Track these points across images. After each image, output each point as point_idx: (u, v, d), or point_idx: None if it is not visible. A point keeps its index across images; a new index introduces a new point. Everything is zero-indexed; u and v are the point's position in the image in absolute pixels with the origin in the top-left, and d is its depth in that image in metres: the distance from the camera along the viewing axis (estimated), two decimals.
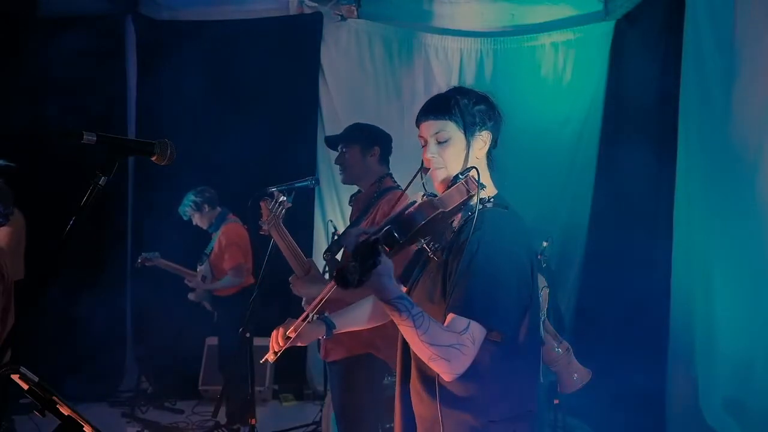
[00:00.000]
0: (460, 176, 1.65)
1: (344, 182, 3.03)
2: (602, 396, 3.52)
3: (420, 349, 1.55)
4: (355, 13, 5.41)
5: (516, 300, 1.61)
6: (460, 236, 1.66)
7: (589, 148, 4.89)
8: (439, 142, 1.73)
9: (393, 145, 3.02)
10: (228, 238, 4.60)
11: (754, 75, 3.47)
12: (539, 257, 3.66)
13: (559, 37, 5.14)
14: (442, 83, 5.39)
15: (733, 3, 3.59)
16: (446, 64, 5.38)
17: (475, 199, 1.63)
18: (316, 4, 5.48)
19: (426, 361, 1.57)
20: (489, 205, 1.70)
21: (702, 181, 3.81)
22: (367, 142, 2.93)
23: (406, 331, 1.55)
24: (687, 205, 3.88)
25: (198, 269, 4.75)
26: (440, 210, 1.58)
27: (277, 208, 2.84)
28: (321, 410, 4.08)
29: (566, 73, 5.12)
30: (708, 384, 3.70)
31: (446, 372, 1.56)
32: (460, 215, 1.71)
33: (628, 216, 4.19)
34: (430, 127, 1.75)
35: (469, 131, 1.72)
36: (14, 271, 3.99)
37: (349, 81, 5.56)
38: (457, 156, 1.73)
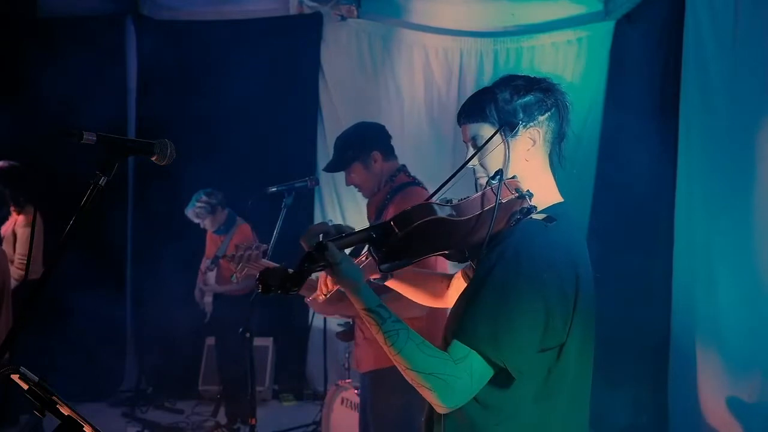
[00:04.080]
0: (492, 181, 1.45)
1: (367, 197, 2.86)
2: (603, 396, 3.51)
3: (400, 370, 1.36)
4: (355, 13, 5.41)
5: (533, 331, 1.34)
6: (488, 252, 1.42)
7: (590, 148, 4.89)
8: (479, 148, 1.50)
9: (393, 147, 2.90)
10: (248, 240, 4.58)
11: (755, 74, 3.47)
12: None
13: (559, 37, 5.14)
14: (442, 83, 5.39)
15: (733, 3, 3.59)
16: (446, 64, 5.37)
17: (515, 207, 1.42)
18: (316, 4, 5.48)
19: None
20: (537, 217, 1.43)
21: (703, 182, 3.81)
22: (363, 152, 2.74)
23: (384, 348, 1.37)
24: (688, 206, 3.88)
25: (209, 274, 4.73)
26: (440, 216, 1.39)
27: (247, 254, 2.50)
28: (321, 410, 4.07)
29: (566, 73, 5.12)
30: (710, 384, 3.70)
31: (433, 403, 1.36)
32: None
33: (628, 216, 4.19)
34: (466, 131, 1.53)
35: (508, 131, 1.46)
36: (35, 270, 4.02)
37: (349, 81, 5.56)
38: (496, 161, 1.48)
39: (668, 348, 3.97)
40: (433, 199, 1.49)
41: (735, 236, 3.56)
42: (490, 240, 1.41)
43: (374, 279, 1.75)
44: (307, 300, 1.76)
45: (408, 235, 1.38)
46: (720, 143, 3.68)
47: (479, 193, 1.44)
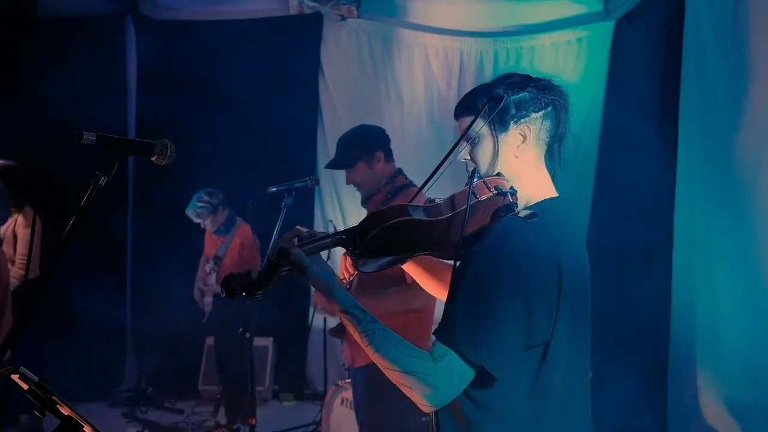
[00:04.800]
0: (471, 180, 1.44)
1: (364, 196, 2.91)
2: (602, 396, 3.52)
3: (383, 370, 1.37)
4: (355, 13, 5.41)
5: (513, 329, 1.32)
6: (467, 251, 1.40)
7: (590, 148, 4.89)
8: (470, 142, 1.50)
9: (392, 145, 2.95)
10: (249, 240, 4.58)
11: (755, 74, 3.48)
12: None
13: (559, 37, 5.14)
14: (442, 83, 5.39)
15: (733, 3, 3.59)
16: (446, 64, 5.37)
17: (500, 201, 1.40)
18: (316, 4, 5.48)
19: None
20: (523, 214, 1.43)
21: (703, 182, 3.81)
22: (367, 152, 2.81)
23: (363, 348, 1.37)
24: (688, 206, 3.89)
25: (212, 275, 4.73)
26: (412, 217, 1.38)
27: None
28: (321, 410, 4.07)
29: (566, 73, 5.11)
30: (709, 384, 3.71)
31: (416, 402, 1.35)
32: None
33: (628, 216, 4.19)
34: (460, 125, 1.53)
35: (497, 127, 1.46)
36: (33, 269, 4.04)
37: (349, 81, 5.56)
38: (486, 157, 1.48)
39: (668, 348, 3.97)
40: (423, 193, 1.49)
41: (735, 236, 3.56)
42: (467, 239, 1.40)
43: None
44: (314, 295, 1.77)
45: (379, 235, 1.38)
46: (720, 143, 3.68)
47: (455, 193, 1.43)
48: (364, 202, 2.94)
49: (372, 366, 2.60)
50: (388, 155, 2.88)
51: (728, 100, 3.64)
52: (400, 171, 2.89)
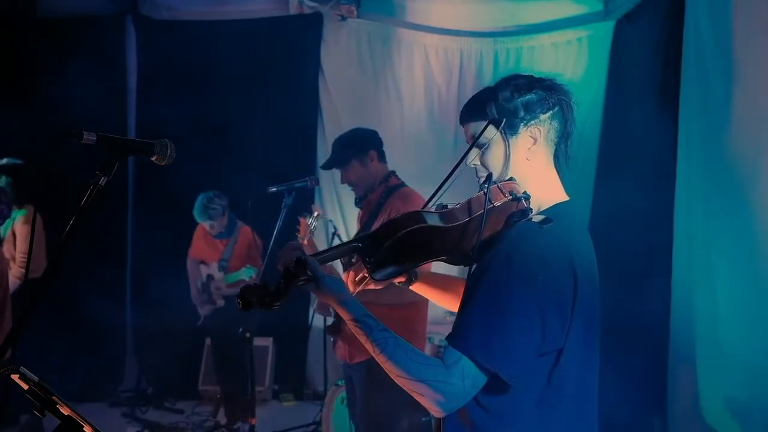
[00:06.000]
0: (485, 186, 1.42)
1: (359, 195, 3.00)
2: (601, 396, 3.51)
3: (392, 377, 1.36)
4: (355, 13, 5.42)
5: (527, 336, 1.31)
6: (481, 257, 1.40)
7: (590, 147, 4.90)
8: (479, 147, 1.49)
9: (392, 145, 3.00)
10: (253, 242, 4.57)
11: (755, 74, 3.47)
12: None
13: (559, 37, 5.14)
14: (442, 83, 5.39)
15: (733, 3, 3.59)
16: (446, 64, 5.38)
17: (510, 207, 1.40)
18: (316, 4, 5.48)
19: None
20: (537, 219, 1.41)
21: (703, 182, 3.81)
22: (361, 151, 2.91)
23: (374, 357, 1.36)
24: (688, 206, 3.88)
25: (218, 281, 4.72)
26: (428, 224, 1.37)
27: (314, 222, 2.97)
28: (321, 410, 4.07)
29: (566, 73, 5.10)
30: (709, 384, 3.70)
31: (428, 408, 1.35)
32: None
33: (628, 217, 4.19)
34: (467, 130, 1.52)
35: (508, 129, 1.45)
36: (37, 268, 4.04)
37: (349, 81, 5.56)
38: (498, 161, 1.48)
39: (667, 348, 3.96)
40: (432, 201, 1.49)
41: (734, 236, 3.56)
42: (483, 244, 1.39)
43: (399, 283, 1.73)
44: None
45: (395, 244, 1.37)
46: (720, 143, 3.68)
47: (470, 198, 1.42)
48: (359, 202, 3.00)
49: (370, 362, 2.67)
50: (381, 156, 2.98)
51: (728, 100, 3.63)
52: (393, 172, 2.98)
